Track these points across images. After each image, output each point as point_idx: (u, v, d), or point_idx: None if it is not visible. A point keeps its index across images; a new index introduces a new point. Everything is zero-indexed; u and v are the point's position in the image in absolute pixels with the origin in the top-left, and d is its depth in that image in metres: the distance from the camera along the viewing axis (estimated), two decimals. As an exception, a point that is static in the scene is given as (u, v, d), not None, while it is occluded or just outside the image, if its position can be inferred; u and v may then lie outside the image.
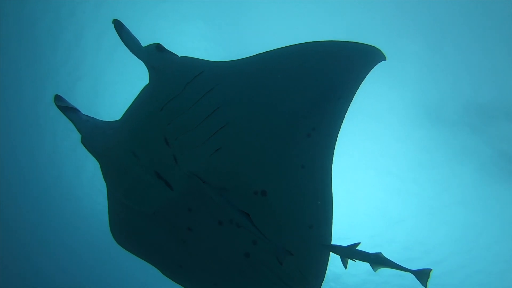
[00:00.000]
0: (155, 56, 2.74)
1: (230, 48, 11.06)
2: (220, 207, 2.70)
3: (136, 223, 3.06)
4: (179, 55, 2.81)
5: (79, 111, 2.94)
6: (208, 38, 11.18)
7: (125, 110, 3.02)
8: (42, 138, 12.54)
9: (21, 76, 11.70)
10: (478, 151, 10.68)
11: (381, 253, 2.77)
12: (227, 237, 2.79)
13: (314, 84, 2.70)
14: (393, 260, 2.72)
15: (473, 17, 9.57)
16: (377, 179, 11.54)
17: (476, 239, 11.63)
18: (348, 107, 2.76)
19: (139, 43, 2.77)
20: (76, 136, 2.93)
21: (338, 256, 2.80)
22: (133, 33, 2.76)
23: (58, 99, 2.84)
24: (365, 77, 2.78)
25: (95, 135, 2.93)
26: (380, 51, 2.72)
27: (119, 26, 2.68)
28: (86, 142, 2.95)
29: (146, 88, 2.88)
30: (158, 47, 2.75)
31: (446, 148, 10.84)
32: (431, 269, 2.64)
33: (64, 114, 2.87)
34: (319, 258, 2.83)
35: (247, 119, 2.66)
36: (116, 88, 11.73)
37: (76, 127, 2.95)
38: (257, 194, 2.70)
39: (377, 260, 2.75)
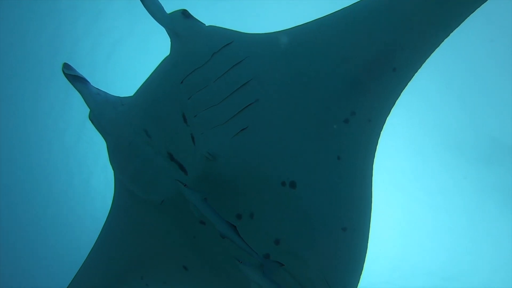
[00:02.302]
0: (180, 23, 2.46)
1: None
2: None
3: (140, 216, 2.71)
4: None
5: (88, 82, 2.66)
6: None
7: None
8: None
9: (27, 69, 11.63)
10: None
11: None
12: (247, 234, 2.41)
13: (359, 52, 2.22)
14: None
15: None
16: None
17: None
18: (406, 84, 2.25)
19: (163, 8, 2.49)
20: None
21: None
22: None
23: (67, 67, 2.57)
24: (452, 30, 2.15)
25: (104, 110, 2.65)
26: None
27: None
28: (95, 117, 2.67)
29: (166, 59, 2.59)
30: (184, 13, 2.47)
31: None
32: None
33: (72, 84, 2.59)
34: (351, 268, 2.40)
35: (279, 97, 2.31)
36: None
37: (84, 100, 2.67)
38: (285, 185, 2.32)
39: None
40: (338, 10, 2.24)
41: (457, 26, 2.14)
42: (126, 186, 2.69)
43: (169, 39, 2.58)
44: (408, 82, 2.26)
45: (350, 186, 2.31)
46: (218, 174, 2.37)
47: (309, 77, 2.28)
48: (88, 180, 12.40)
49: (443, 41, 2.18)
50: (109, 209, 2.89)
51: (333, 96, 2.28)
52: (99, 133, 2.75)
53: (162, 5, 2.50)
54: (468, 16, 2.11)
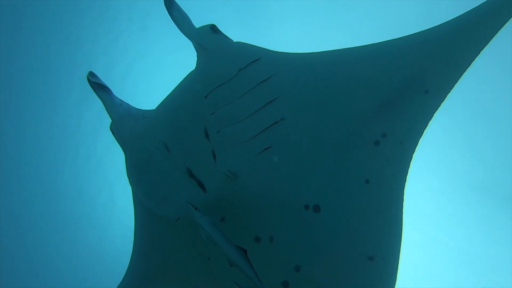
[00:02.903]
0: (208, 37, 2.44)
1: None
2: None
3: (155, 232, 2.60)
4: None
5: (112, 92, 2.63)
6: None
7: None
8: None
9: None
10: None
11: None
12: (265, 259, 2.27)
13: (390, 75, 2.16)
14: None
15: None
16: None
17: None
18: (438, 105, 2.15)
19: (191, 22, 2.47)
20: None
21: None
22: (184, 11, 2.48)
23: (92, 75, 2.55)
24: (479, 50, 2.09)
25: (126, 121, 2.60)
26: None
27: (169, 3, 2.42)
28: (116, 128, 2.64)
29: (191, 74, 2.55)
30: (213, 28, 2.45)
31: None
32: None
33: (96, 92, 2.57)
34: None
35: (306, 116, 2.23)
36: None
37: (107, 110, 2.63)
38: (308, 208, 2.20)
39: None
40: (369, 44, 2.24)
41: (484, 47, 2.11)
42: (142, 202, 2.60)
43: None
44: (441, 103, 2.19)
45: (378, 212, 2.17)
46: (238, 193, 2.26)
47: (338, 98, 2.21)
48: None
49: (472, 61, 2.14)
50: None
51: (363, 117, 2.19)
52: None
53: (190, 19, 2.49)
54: (495, 34, 2.08)
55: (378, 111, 2.19)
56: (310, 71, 2.25)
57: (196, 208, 2.21)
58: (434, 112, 2.19)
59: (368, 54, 2.23)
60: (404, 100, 2.18)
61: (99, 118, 11.32)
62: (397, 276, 2.19)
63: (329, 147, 2.19)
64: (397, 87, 2.18)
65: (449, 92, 2.17)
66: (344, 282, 2.17)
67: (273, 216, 2.24)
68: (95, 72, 2.64)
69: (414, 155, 2.23)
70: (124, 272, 2.73)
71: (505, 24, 2.06)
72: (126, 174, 2.65)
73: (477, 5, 2.07)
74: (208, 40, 2.42)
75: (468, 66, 2.14)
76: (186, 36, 2.46)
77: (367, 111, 2.19)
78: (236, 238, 2.30)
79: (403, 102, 2.18)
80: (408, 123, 2.20)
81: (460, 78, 2.15)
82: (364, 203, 2.17)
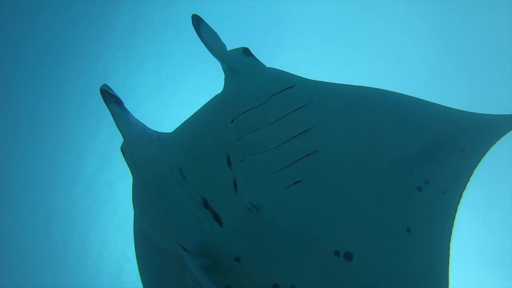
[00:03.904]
0: (240, 60, 2.30)
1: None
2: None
3: (157, 265, 2.29)
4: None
5: (127, 109, 2.44)
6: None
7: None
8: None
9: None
10: None
11: None
12: None
13: (426, 129, 2.11)
14: None
15: None
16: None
17: None
18: (476, 164, 2.09)
19: (223, 44, 2.34)
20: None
21: None
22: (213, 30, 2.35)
23: (106, 87, 2.38)
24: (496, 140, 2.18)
25: (140, 141, 2.38)
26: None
27: (197, 21, 2.25)
28: (128, 148, 2.41)
29: (216, 96, 2.38)
30: (246, 51, 2.31)
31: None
32: None
33: (109, 106, 2.36)
34: None
35: (342, 151, 2.02)
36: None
37: (118, 126, 2.42)
38: (338, 255, 1.92)
39: None
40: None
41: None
42: (144, 231, 2.32)
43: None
44: (478, 163, 2.15)
45: (421, 265, 1.89)
46: (259, 230, 1.99)
47: (381, 137, 2.04)
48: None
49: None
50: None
51: (406, 161, 2.02)
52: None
53: (223, 42, 2.37)
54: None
55: (421, 159, 2.04)
56: (350, 104, 2.09)
57: (185, 250, 2.00)
58: (473, 169, 2.13)
59: (411, 103, 2.18)
60: (443, 152, 2.10)
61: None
62: None
63: (367, 188, 1.97)
64: (438, 140, 2.11)
65: (484, 154, 2.17)
66: None
67: (297, 261, 1.95)
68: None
69: (459, 207, 2.03)
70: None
71: None
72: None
73: None
74: (239, 63, 2.28)
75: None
76: (216, 57, 2.32)
77: (410, 156, 2.03)
78: (251, 284, 2.00)
79: (443, 154, 2.09)
80: (450, 174, 2.07)
81: (494, 143, 2.21)
82: (404, 254, 1.89)
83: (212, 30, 2.29)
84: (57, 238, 11.42)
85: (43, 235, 11.38)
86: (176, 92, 11.37)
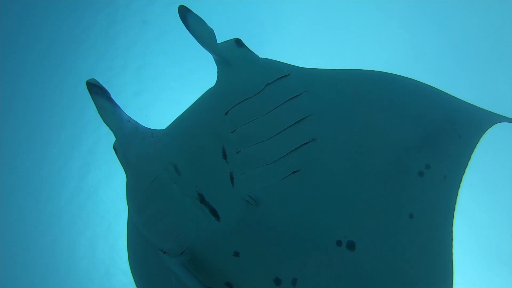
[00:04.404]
0: (232, 51, 2.24)
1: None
2: None
3: (153, 268, 2.21)
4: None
5: (117, 104, 2.33)
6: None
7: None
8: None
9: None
10: None
11: None
12: None
13: (426, 115, 2.10)
14: None
15: None
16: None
17: None
18: (473, 149, 2.09)
19: (215, 36, 2.26)
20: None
21: None
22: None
23: (94, 80, 2.24)
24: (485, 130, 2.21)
25: (133, 139, 2.30)
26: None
27: (184, 12, 2.14)
28: (120, 146, 2.32)
29: (209, 90, 2.32)
30: (238, 42, 2.26)
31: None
32: None
33: (96, 100, 2.21)
34: None
35: (342, 138, 1.98)
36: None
37: (110, 125, 2.31)
38: (341, 245, 1.87)
39: None
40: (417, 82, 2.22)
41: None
42: (140, 232, 2.23)
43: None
44: (474, 149, 2.17)
45: (425, 252, 1.85)
46: (259, 223, 1.93)
47: (381, 122, 2.01)
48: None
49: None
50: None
51: (407, 145, 1.99)
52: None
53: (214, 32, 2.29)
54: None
55: (422, 143, 2.02)
56: (347, 89, 2.05)
57: (164, 253, 1.96)
58: (471, 154, 2.14)
59: (411, 86, 2.15)
60: (443, 137, 2.09)
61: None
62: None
63: (367, 175, 1.93)
64: (438, 125, 2.10)
65: (480, 137, 2.18)
66: None
67: (298, 253, 1.90)
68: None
69: (459, 192, 2.02)
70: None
71: None
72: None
73: None
74: (232, 54, 2.22)
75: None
76: (207, 49, 2.24)
77: (412, 141, 2.01)
78: (252, 279, 1.94)
79: (442, 140, 2.08)
80: (449, 159, 2.07)
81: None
82: (408, 241, 1.86)
83: (201, 20, 2.19)
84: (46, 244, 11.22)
85: (32, 241, 11.17)
86: (165, 91, 11.22)
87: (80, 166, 11.02)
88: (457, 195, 1.97)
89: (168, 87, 11.18)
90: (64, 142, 10.97)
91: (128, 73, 11.15)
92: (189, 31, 2.18)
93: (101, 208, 11.13)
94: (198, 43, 2.23)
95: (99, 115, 2.28)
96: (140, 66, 11.14)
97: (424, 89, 2.17)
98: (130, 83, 11.21)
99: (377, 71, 2.12)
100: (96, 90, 2.22)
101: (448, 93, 2.23)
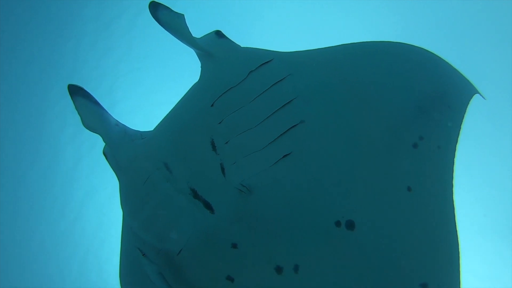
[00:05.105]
0: (213, 43, 2.24)
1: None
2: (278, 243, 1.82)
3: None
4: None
5: (103, 108, 2.32)
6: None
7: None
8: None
9: None
10: None
11: None
12: None
13: (417, 86, 2.04)
14: None
15: None
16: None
17: None
18: (462, 119, 2.04)
19: (182, 17, 2.15)
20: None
21: None
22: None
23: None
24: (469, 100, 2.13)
25: (122, 143, 2.28)
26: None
27: (154, 8, 2.09)
28: (110, 151, 2.31)
29: (194, 84, 2.31)
30: (218, 33, 2.26)
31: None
32: None
33: (79, 104, 2.20)
34: None
35: (331, 117, 1.94)
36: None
37: (98, 131, 2.31)
38: (340, 225, 1.81)
39: None
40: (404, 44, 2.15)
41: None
42: (137, 235, 2.19)
43: None
44: (463, 117, 2.09)
45: (428, 226, 1.79)
46: (254, 211, 1.88)
47: (369, 96, 1.96)
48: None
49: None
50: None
51: (400, 117, 1.94)
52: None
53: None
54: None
55: (412, 115, 1.97)
56: (332, 67, 2.02)
57: (144, 255, 1.94)
58: (460, 124, 2.07)
59: (399, 54, 2.09)
60: (432, 109, 2.03)
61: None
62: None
63: (360, 151, 1.88)
64: (426, 97, 2.04)
65: (466, 106, 2.11)
66: None
67: (297, 239, 1.83)
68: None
69: (455, 161, 1.96)
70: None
71: None
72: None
73: None
74: (213, 46, 2.22)
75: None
76: (187, 44, 2.23)
77: (404, 112, 1.96)
78: (252, 270, 1.88)
79: (434, 110, 2.03)
80: (442, 129, 2.01)
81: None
82: (409, 214, 1.80)
83: (176, 14, 2.13)
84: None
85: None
86: (154, 94, 11.22)
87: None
88: (453, 164, 1.91)
89: (157, 89, 11.20)
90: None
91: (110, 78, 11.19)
92: (166, 29, 2.17)
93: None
94: (177, 41, 2.23)
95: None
96: (130, 70, 11.19)
97: (411, 54, 2.09)
98: (119, 88, 11.23)
99: (360, 42, 2.08)
100: (83, 93, 2.21)
101: (434, 53, 2.14)
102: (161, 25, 2.14)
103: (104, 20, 10.84)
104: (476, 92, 2.11)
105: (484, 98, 2.13)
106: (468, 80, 2.16)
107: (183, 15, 2.12)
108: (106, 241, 11.21)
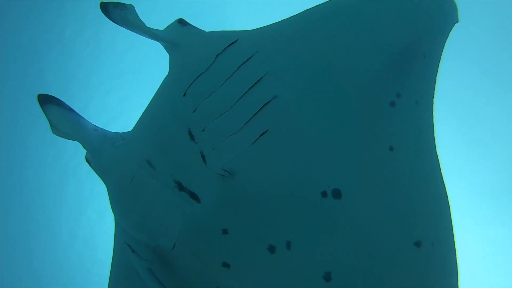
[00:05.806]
0: (177, 32, 2.21)
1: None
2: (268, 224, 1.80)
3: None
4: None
5: (79, 114, 2.31)
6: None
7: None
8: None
9: None
10: None
11: None
12: (285, 273, 1.80)
13: (389, 38, 1.96)
14: None
15: None
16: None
17: None
18: (437, 68, 1.99)
19: (133, 8, 2.09)
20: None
21: None
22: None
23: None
24: (449, 32, 2.06)
25: (103, 147, 2.27)
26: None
27: (105, 8, 2.00)
28: (92, 157, 2.30)
29: (165, 78, 2.28)
30: (181, 22, 2.23)
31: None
32: None
33: (50, 114, 2.18)
34: None
35: (304, 89, 1.90)
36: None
37: (78, 138, 2.30)
38: (326, 195, 1.78)
39: None
40: None
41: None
42: (131, 236, 2.18)
43: None
44: (438, 67, 2.06)
45: (414, 183, 1.75)
46: (239, 194, 1.86)
47: (340, 59, 1.91)
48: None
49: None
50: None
51: (373, 77, 1.88)
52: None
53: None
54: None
55: (386, 72, 1.92)
56: (298, 36, 1.97)
57: (133, 251, 1.94)
58: (436, 75, 2.04)
59: (364, 7, 1.99)
60: (407, 62, 1.97)
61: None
62: (457, 262, 1.71)
63: (338, 117, 1.84)
64: (400, 49, 1.97)
65: (441, 54, 2.07)
66: (390, 280, 1.68)
67: (286, 216, 1.81)
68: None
69: (434, 115, 1.93)
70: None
71: None
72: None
73: None
74: (177, 35, 2.18)
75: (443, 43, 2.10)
76: (146, 36, 2.18)
77: (378, 72, 1.90)
78: (246, 253, 1.86)
79: (407, 64, 1.97)
80: (418, 83, 1.97)
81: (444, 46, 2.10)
82: (394, 173, 1.76)
83: (126, 9, 2.06)
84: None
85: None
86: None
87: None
88: (432, 118, 1.87)
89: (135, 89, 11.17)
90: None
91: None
92: (123, 26, 2.12)
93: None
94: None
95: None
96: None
97: (376, 3, 1.99)
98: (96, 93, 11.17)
99: (319, 4, 2.02)
100: (56, 101, 2.20)
101: None
102: (119, 24, 2.09)
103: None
104: (454, 22, 2.04)
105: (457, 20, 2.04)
106: (442, 16, 2.05)
107: (132, 6, 2.06)
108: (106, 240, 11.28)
